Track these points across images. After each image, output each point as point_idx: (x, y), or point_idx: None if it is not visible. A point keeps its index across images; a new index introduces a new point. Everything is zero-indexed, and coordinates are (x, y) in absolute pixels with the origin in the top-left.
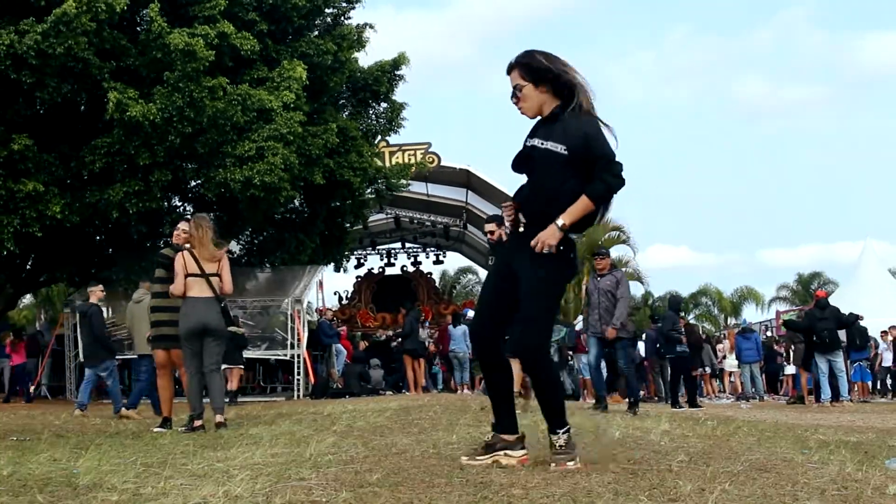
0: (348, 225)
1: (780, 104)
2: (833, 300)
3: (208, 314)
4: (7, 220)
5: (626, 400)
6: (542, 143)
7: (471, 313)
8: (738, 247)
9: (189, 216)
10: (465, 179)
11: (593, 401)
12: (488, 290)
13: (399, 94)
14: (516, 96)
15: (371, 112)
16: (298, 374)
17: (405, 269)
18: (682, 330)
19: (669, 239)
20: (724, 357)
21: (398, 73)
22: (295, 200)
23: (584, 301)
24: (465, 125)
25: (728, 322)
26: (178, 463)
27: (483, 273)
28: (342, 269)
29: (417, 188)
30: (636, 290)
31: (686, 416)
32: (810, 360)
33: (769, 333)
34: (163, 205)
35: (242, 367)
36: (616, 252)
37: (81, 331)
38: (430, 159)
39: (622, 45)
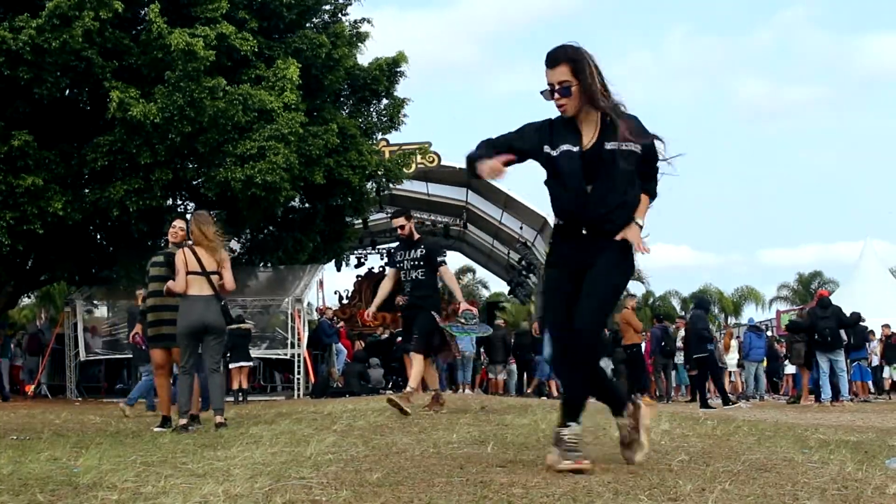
0: (349, 218)
1: (781, 104)
2: (833, 300)
3: (208, 312)
4: (1, 216)
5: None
6: (620, 145)
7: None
8: (739, 246)
9: (189, 214)
10: (466, 179)
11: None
12: (560, 296)
13: (400, 92)
14: (563, 94)
15: (371, 109)
16: (299, 373)
17: None
18: (710, 328)
19: (670, 238)
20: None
21: (398, 70)
22: (295, 199)
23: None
24: (465, 125)
25: (728, 321)
26: (179, 462)
27: (483, 272)
28: (344, 264)
29: (418, 187)
30: (636, 289)
31: (687, 415)
32: (811, 358)
33: (770, 333)
34: (163, 203)
35: (252, 364)
36: None
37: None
38: (431, 158)
39: (622, 45)
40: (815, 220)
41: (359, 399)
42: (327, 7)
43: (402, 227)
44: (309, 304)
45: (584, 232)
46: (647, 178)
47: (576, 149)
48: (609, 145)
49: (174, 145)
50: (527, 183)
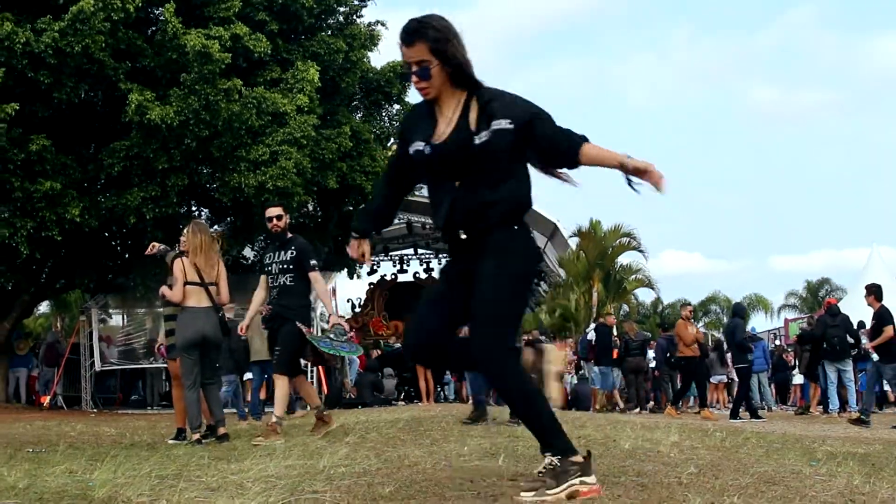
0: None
1: (790, 109)
2: (841, 307)
3: (207, 325)
4: (21, 224)
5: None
6: (490, 129)
7: None
8: (751, 253)
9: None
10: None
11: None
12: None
13: (412, 96)
14: (421, 76)
15: (384, 114)
16: (312, 383)
17: (417, 275)
18: (749, 338)
19: (683, 245)
20: (731, 367)
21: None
22: (308, 205)
23: None
24: None
25: None
26: (193, 475)
27: None
28: (356, 276)
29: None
30: (646, 296)
31: (696, 426)
32: (817, 367)
33: (777, 342)
34: (179, 210)
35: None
36: (626, 259)
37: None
38: None
39: (631, 48)
40: (825, 226)
41: (371, 410)
42: (342, 9)
43: (278, 218)
44: (322, 313)
45: (462, 236)
46: (552, 147)
47: (426, 144)
48: (477, 133)
49: (189, 150)
50: (535, 187)
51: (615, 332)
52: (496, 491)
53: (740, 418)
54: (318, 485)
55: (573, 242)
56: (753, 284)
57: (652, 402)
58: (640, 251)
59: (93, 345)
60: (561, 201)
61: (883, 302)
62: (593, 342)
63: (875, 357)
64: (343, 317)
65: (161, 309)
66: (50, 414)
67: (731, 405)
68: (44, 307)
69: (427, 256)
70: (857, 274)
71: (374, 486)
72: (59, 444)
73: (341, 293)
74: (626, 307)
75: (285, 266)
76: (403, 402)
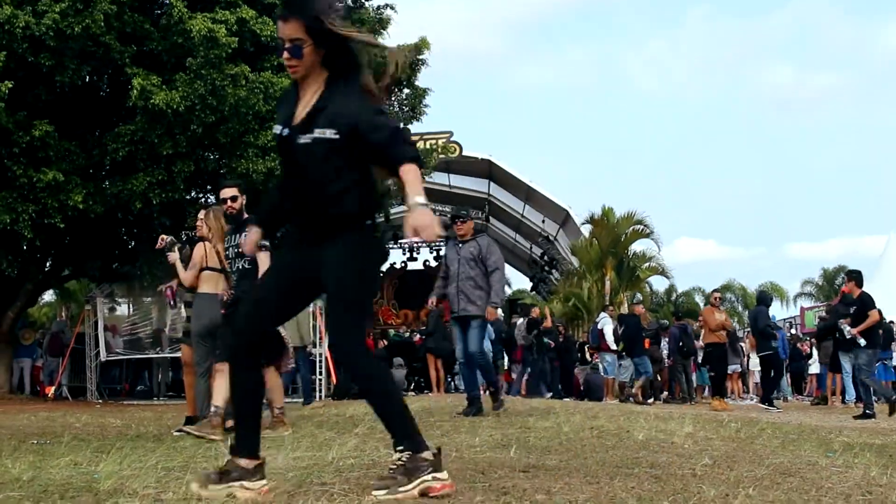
0: None
1: (805, 93)
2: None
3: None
4: (23, 208)
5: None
6: (312, 134)
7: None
8: (766, 240)
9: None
10: (487, 170)
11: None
12: (268, 287)
13: (421, 80)
14: (293, 54)
15: (393, 98)
16: (320, 374)
17: (427, 263)
18: (774, 326)
19: (697, 232)
20: (749, 357)
21: (420, 58)
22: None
23: (440, 273)
24: (487, 115)
25: None
26: (200, 467)
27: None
28: None
29: (439, 179)
30: (660, 284)
31: (710, 417)
32: (837, 359)
33: (793, 331)
34: (185, 196)
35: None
36: (640, 246)
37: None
38: (452, 148)
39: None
40: (842, 212)
41: None
42: None
43: (233, 199)
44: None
45: (304, 230)
46: (381, 152)
47: (283, 128)
48: (302, 133)
49: (196, 136)
50: (548, 174)
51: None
52: (507, 483)
53: (774, 406)
54: (326, 477)
55: (585, 230)
56: (769, 272)
57: (666, 393)
58: (654, 239)
59: (98, 334)
60: (573, 187)
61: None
62: (618, 330)
63: (862, 342)
64: None
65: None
66: (54, 405)
67: (745, 395)
68: (48, 296)
69: (437, 244)
70: (874, 262)
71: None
72: (64, 435)
73: None
74: (639, 295)
75: (241, 249)
76: (413, 393)
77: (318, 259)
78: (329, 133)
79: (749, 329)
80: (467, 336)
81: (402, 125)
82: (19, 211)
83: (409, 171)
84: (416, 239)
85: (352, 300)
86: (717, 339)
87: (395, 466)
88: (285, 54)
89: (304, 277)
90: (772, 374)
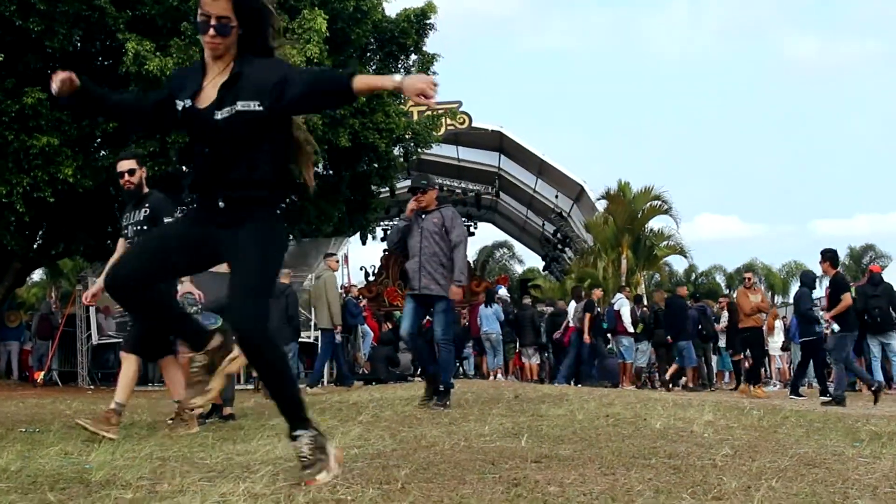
0: (374, 187)
1: (832, 62)
2: (885, 275)
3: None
4: (17, 181)
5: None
6: (235, 106)
7: (502, 291)
8: (792, 217)
9: None
10: (498, 142)
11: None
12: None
13: (429, 46)
14: (220, 32)
15: (400, 66)
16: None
17: None
18: (818, 308)
19: (719, 208)
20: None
21: (427, 22)
22: (318, 165)
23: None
24: (498, 84)
25: (775, 300)
26: (196, 457)
27: (519, 247)
28: (370, 237)
29: (448, 151)
30: (679, 264)
31: (731, 405)
32: (863, 341)
33: (820, 313)
34: (180, 168)
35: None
36: (657, 223)
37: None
38: (461, 120)
39: None
40: (871, 187)
41: (385, 386)
42: None
43: (130, 173)
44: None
45: (220, 204)
46: (317, 92)
47: (190, 102)
48: (219, 108)
49: None
50: (562, 147)
51: (645, 303)
52: (518, 474)
53: (800, 395)
54: None
55: (601, 206)
56: (793, 251)
57: (684, 378)
58: (672, 215)
59: (89, 316)
60: (588, 161)
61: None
62: (636, 312)
63: (836, 327)
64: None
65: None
66: (44, 391)
67: (768, 380)
68: (37, 275)
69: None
70: None
71: (388, 469)
72: (54, 423)
73: (354, 260)
74: (657, 276)
75: (140, 227)
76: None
77: (224, 239)
78: (253, 105)
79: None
80: (434, 321)
81: None
82: (13, 183)
83: (361, 78)
84: (427, 101)
85: (259, 283)
86: (753, 322)
87: (309, 448)
88: (211, 31)
89: (200, 252)
90: (810, 362)
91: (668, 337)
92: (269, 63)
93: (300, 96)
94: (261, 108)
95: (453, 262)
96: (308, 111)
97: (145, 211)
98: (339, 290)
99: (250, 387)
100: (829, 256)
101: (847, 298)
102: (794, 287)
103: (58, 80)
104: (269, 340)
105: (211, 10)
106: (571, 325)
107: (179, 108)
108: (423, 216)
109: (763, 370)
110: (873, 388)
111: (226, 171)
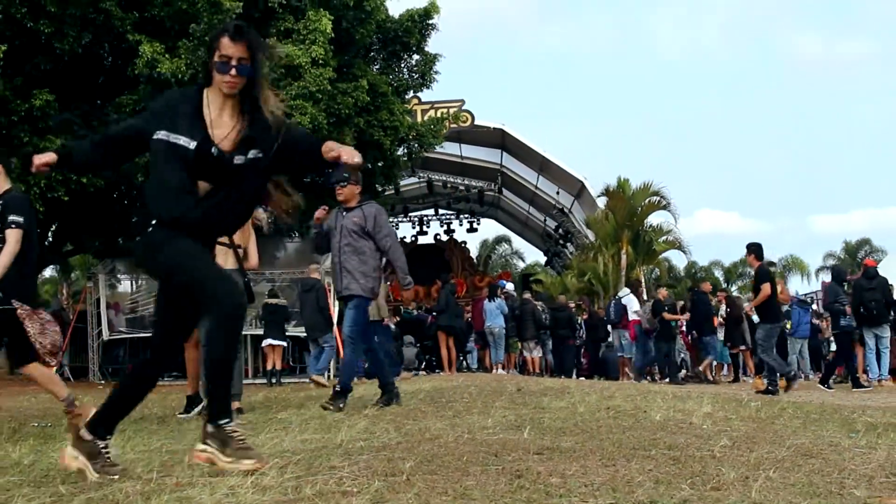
0: (379, 187)
1: (832, 61)
2: (880, 269)
3: None
4: (34, 181)
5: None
6: (245, 157)
7: (509, 286)
8: (790, 212)
9: None
10: (500, 140)
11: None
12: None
13: (431, 46)
14: (241, 72)
15: (403, 65)
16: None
17: (438, 237)
18: (846, 301)
19: (720, 204)
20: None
21: (430, 22)
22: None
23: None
24: (501, 82)
25: None
26: None
27: (519, 241)
28: None
29: (451, 149)
30: (678, 259)
31: (729, 397)
32: (860, 334)
33: (814, 306)
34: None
35: (286, 343)
36: (656, 218)
37: (303, 304)
38: (464, 117)
39: None
40: (867, 182)
41: None
42: None
43: None
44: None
45: (220, 238)
46: (307, 148)
47: (192, 141)
48: (247, 152)
49: None
50: (563, 143)
51: (645, 297)
52: (521, 466)
53: (863, 385)
54: (335, 460)
55: (601, 202)
56: (791, 245)
57: (684, 372)
58: (671, 211)
59: (100, 312)
60: (590, 158)
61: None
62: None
63: (756, 319)
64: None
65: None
66: None
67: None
68: (48, 272)
69: (448, 217)
70: None
71: (394, 461)
72: (66, 417)
73: None
74: (657, 270)
75: None
76: (424, 372)
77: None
78: (258, 154)
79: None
80: (345, 315)
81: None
82: (31, 183)
83: (328, 144)
84: (349, 161)
85: None
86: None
87: (237, 437)
88: (233, 71)
89: None
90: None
91: (695, 332)
92: (268, 119)
93: (304, 143)
94: (261, 155)
95: (393, 264)
96: (283, 171)
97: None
98: None
99: (262, 381)
100: (753, 249)
101: (766, 289)
102: (792, 281)
103: (34, 169)
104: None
105: (232, 52)
106: (632, 318)
107: (191, 147)
108: (344, 213)
109: (751, 362)
110: (788, 377)
111: (232, 208)
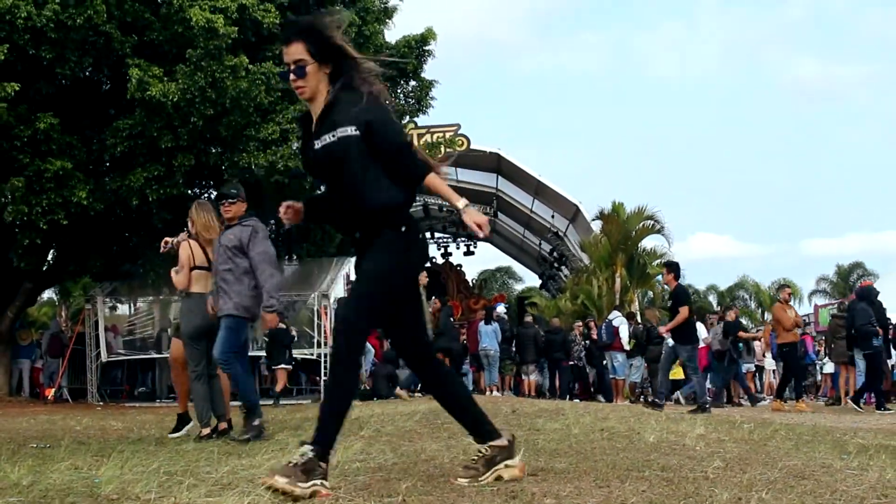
0: None
1: (826, 84)
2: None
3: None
4: (36, 201)
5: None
6: (333, 136)
7: (501, 308)
8: (784, 236)
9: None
10: (496, 164)
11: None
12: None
13: (428, 72)
14: (298, 75)
15: (399, 91)
16: (325, 374)
17: (434, 260)
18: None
19: (713, 227)
20: (764, 355)
21: (426, 48)
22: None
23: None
24: (496, 107)
25: (765, 317)
26: (202, 471)
27: (517, 266)
28: None
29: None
30: None
31: (723, 418)
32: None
33: (808, 330)
34: (186, 191)
35: (290, 367)
36: (651, 242)
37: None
38: (460, 142)
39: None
40: (860, 206)
41: (387, 403)
42: None
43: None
44: (336, 299)
45: (356, 235)
46: (396, 156)
47: (312, 142)
48: (323, 141)
49: (196, 129)
50: (557, 167)
51: (638, 320)
52: (516, 487)
53: (886, 409)
54: (332, 481)
55: (596, 226)
56: (784, 269)
57: (677, 394)
58: (665, 235)
59: (98, 334)
60: (584, 182)
61: (680, 281)
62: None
63: (671, 342)
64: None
65: (174, 296)
66: (54, 407)
67: (759, 395)
68: (47, 294)
69: (444, 240)
70: (892, 257)
71: (390, 482)
72: (64, 438)
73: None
74: (650, 293)
75: None
76: (420, 395)
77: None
78: (350, 130)
79: (762, 328)
80: (217, 337)
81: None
82: (33, 204)
83: (435, 179)
84: (477, 231)
85: (365, 291)
86: (792, 337)
87: (311, 462)
88: (291, 76)
89: None
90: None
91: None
92: (366, 97)
93: (392, 144)
94: (357, 132)
95: (261, 284)
96: (385, 159)
97: None
98: None
99: (268, 402)
100: (672, 269)
101: (684, 311)
102: None
103: (285, 219)
104: (356, 333)
105: (288, 58)
106: (703, 345)
107: (308, 154)
108: (226, 230)
109: (752, 384)
110: (700, 403)
111: (345, 195)
